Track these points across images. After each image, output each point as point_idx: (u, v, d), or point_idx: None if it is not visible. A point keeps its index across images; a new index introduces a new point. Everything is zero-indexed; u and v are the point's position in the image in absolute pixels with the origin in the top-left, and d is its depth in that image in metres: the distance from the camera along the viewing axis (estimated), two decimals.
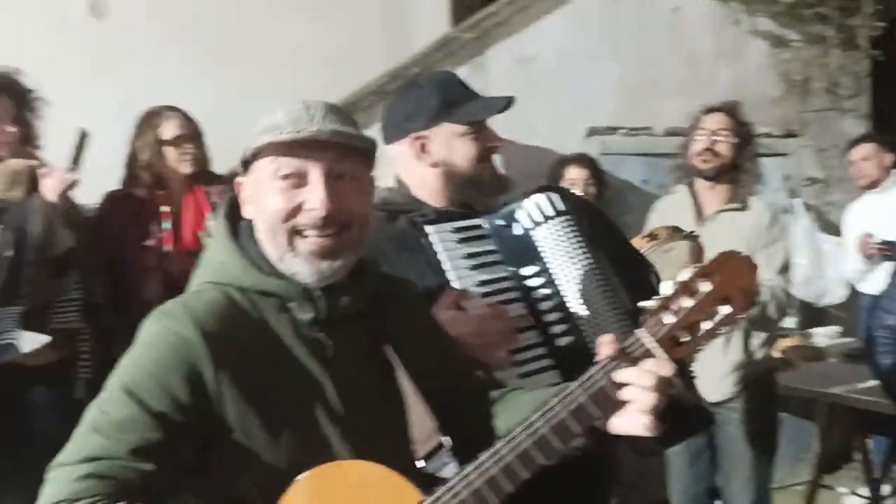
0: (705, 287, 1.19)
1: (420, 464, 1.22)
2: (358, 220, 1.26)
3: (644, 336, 1.20)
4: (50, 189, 2.65)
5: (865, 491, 3.67)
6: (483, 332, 1.54)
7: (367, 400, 1.24)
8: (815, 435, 3.86)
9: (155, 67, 4.02)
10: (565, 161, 3.78)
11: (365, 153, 1.29)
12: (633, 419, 1.18)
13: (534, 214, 1.67)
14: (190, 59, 4.13)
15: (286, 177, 1.23)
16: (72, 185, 2.68)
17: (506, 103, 1.77)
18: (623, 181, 4.24)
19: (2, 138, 2.75)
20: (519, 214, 1.68)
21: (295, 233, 1.23)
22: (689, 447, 3.01)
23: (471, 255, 1.66)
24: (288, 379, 1.20)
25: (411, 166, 1.77)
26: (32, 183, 2.74)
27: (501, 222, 1.70)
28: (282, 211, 1.23)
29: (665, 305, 1.20)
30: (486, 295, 1.62)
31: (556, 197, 1.69)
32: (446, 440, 1.23)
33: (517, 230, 1.68)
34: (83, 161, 2.73)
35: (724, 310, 1.20)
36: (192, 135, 3.01)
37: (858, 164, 4.21)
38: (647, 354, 1.19)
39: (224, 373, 1.16)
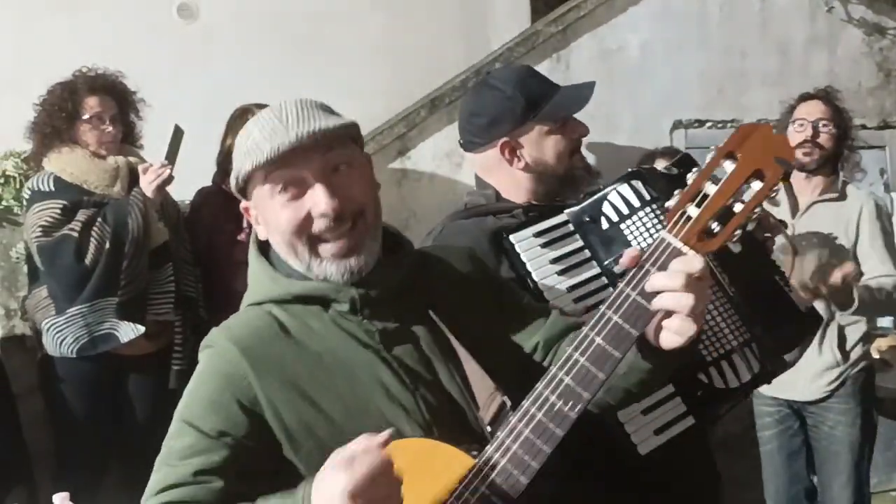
0: (728, 167, 1.09)
1: (487, 428, 1.20)
2: (368, 204, 1.25)
3: (667, 237, 1.10)
4: (147, 184, 2.73)
5: None
6: None
7: (425, 374, 1.24)
8: None
9: (241, 67, 4.10)
10: (653, 155, 3.71)
11: (352, 137, 1.27)
12: (676, 326, 1.09)
13: (620, 207, 1.60)
14: (275, 58, 4.20)
15: (284, 189, 1.22)
16: (167, 180, 2.76)
17: (590, 92, 1.71)
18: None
19: (104, 137, 2.85)
20: (605, 208, 1.61)
21: (314, 239, 1.23)
22: (785, 447, 2.93)
23: (557, 260, 1.60)
24: (340, 372, 1.21)
25: (501, 171, 1.72)
26: (132, 179, 2.85)
27: (587, 218, 1.63)
28: (293, 224, 1.22)
29: (687, 197, 1.09)
30: (578, 300, 1.57)
31: (640, 184, 1.60)
32: (507, 400, 1.20)
33: (604, 224, 1.61)
34: (178, 157, 2.81)
35: (756, 185, 1.08)
36: None
37: None
38: (677, 255, 1.09)
39: (271, 383, 1.19)
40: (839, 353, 2.78)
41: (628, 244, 1.59)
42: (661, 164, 3.64)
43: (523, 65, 1.81)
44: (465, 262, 1.40)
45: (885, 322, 3.84)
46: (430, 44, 4.51)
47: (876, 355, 3.39)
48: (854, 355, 2.80)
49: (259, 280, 1.30)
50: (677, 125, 4.12)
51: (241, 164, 1.24)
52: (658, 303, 1.10)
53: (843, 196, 2.83)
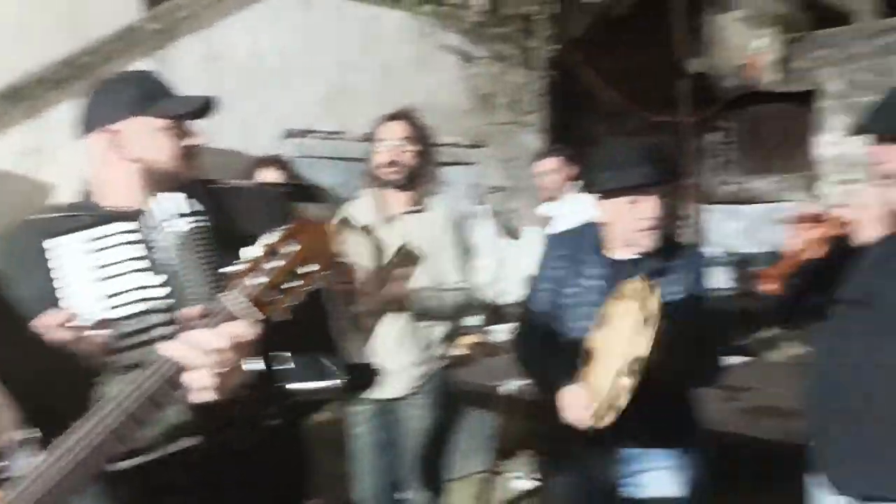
0: (293, 248, 1.27)
1: None
2: None
3: (233, 297, 1.24)
4: None
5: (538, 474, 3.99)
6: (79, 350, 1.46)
7: None
8: (494, 425, 4.12)
9: None
10: (259, 162, 3.71)
11: None
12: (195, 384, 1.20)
13: (151, 221, 1.62)
14: None
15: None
16: None
17: (204, 102, 1.68)
18: (319, 185, 4.26)
19: None
20: (148, 219, 1.62)
21: None
22: (374, 444, 3.07)
23: (102, 266, 1.57)
24: None
25: (104, 162, 1.67)
26: None
27: (145, 228, 1.62)
28: None
29: (254, 267, 1.25)
30: (113, 308, 1.54)
31: (163, 203, 1.63)
32: (27, 433, 1.20)
33: (152, 235, 1.62)
34: None
35: (311, 267, 1.28)
36: None
37: (545, 175, 4.35)
38: (233, 316, 1.22)
39: None
40: (422, 351, 2.99)
41: (160, 257, 1.60)
42: (266, 173, 3.66)
43: (151, 71, 1.79)
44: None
45: (472, 321, 4.23)
46: (22, 28, 4.06)
47: (458, 352, 3.72)
48: (436, 353, 3.04)
49: None
50: (287, 134, 4.19)
51: None
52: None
53: (426, 208, 3.06)
